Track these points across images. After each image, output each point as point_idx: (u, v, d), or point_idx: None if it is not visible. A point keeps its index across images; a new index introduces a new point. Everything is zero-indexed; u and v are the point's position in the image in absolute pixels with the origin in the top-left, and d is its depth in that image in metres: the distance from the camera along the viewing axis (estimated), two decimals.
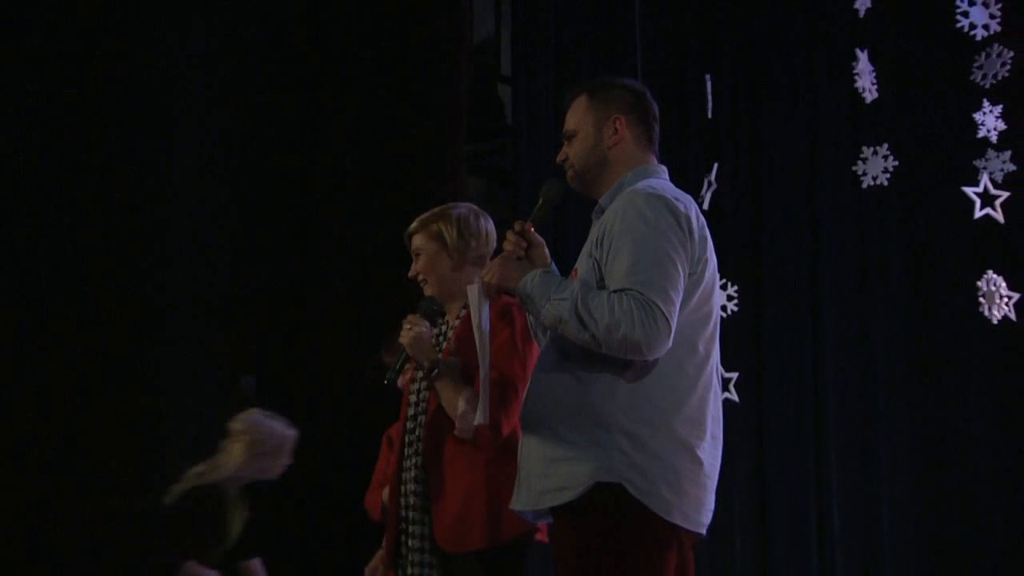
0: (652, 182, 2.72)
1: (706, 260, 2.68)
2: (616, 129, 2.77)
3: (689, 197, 2.73)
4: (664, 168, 2.83)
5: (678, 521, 2.57)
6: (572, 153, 2.81)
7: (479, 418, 2.88)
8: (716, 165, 5.11)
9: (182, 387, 4.83)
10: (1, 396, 4.67)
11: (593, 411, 2.61)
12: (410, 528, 3.24)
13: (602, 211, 2.69)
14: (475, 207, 3.44)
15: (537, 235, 2.76)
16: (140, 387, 4.82)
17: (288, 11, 5.30)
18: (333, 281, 5.08)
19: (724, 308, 5.02)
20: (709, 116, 5.17)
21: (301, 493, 4.98)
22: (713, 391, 2.73)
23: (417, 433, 3.24)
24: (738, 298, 5.01)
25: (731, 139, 5.30)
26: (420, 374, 3.24)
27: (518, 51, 5.58)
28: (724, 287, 5.00)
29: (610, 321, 2.51)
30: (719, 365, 2.78)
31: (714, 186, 5.06)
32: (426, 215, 3.32)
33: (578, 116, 2.81)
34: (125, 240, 4.95)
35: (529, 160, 5.49)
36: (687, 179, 5.17)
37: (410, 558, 3.21)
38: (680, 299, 2.59)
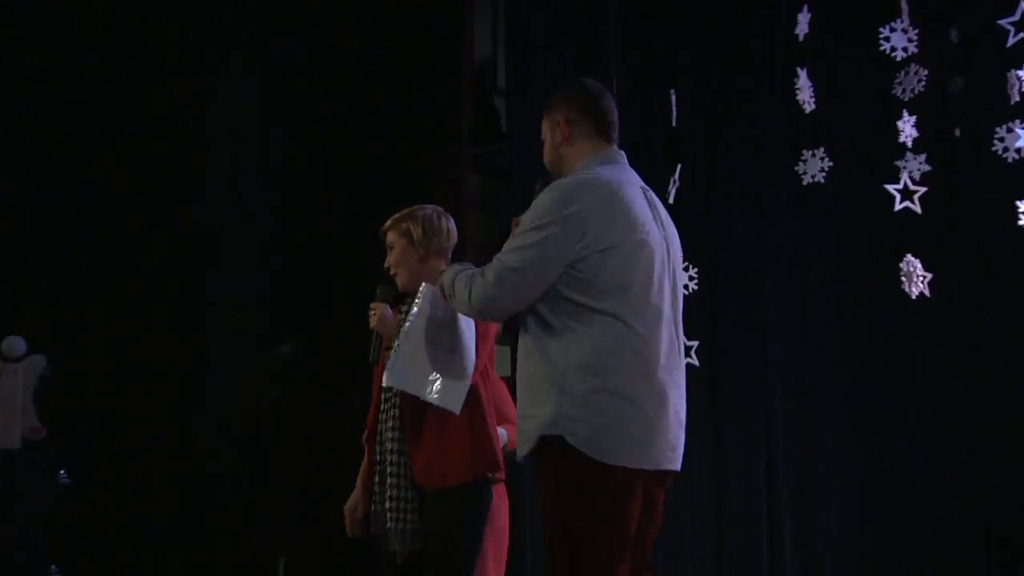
0: (594, 170, 2.83)
1: (633, 237, 2.75)
2: (561, 129, 2.90)
3: (621, 180, 2.83)
4: (619, 152, 2.92)
5: (611, 461, 2.67)
6: (544, 157, 3.00)
7: (452, 406, 3.21)
8: (679, 166, 5.28)
9: (228, 356, 5.18)
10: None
11: (544, 378, 2.76)
12: (389, 468, 3.41)
13: None
14: (439, 208, 3.59)
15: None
16: (192, 356, 5.15)
17: (319, 36, 5.43)
18: (352, 270, 5.07)
19: (686, 287, 4.95)
20: (673, 124, 5.34)
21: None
22: (663, 350, 2.80)
23: (394, 391, 3.40)
24: (698, 278, 5.24)
25: (692, 144, 5.47)
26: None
27: (511, 69, 5.72)
28: (686, 268, 5.07)
29: (461, 291, 2.81)
30: (674, 325, 2.89)
31: (678, 183, 5.23)
32: (397, 215, 3.49)
33: (542, 126, 2.99)
34: (174, 236, 5.30)
35: (520, 161, 5.57)
36: (655, 178, 4.86)
37: (389, 493, 3.39)
38: (539, 269, 2.71)
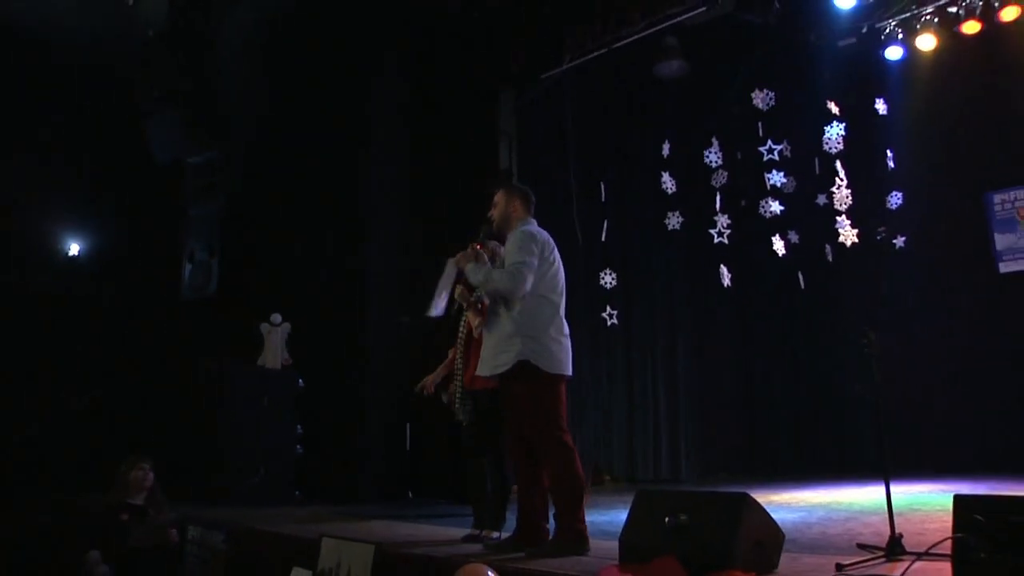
0: (527, 228, 4.20)
1: (553, 258, 4.15)
2: (514, 206, 4.33)
3: (541, 232, 4.21)
4: (534, 220, 4.32)
5: (558, 371, 4.04)
6: (495, 214, 4.38)
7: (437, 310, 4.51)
8: (606, 221, 8.59)
9: (381, 314, 8.20)
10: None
11: (513, 331, 4.07)
12: (457, 375, 4.88)
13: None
14: None
15: (481, 250, 4.42)
16: (360, 321, 8.24)
17: (426, 143, 8.34)
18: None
19: (610, 282, 8.36)
20: (603, 200, 8.62)
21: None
22: (561, 312, 4.19)
23: (462, 332, 4.88)
24: (617, 277, 8.57)
25: (613, 209, 8.73)
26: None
27: (520, 172, 8.35)
28: (609, 272, 8.35)
29: (499, 282, 4.03)
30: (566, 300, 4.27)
31: (606, 230, 8.44)
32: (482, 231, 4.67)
33: (499, 198, 4.38)
34: (342, 233, 8.33)
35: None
36: (594, 225, 8.32)
37: (456, 392, 4.87)
38: (535, 269, 4.03)
